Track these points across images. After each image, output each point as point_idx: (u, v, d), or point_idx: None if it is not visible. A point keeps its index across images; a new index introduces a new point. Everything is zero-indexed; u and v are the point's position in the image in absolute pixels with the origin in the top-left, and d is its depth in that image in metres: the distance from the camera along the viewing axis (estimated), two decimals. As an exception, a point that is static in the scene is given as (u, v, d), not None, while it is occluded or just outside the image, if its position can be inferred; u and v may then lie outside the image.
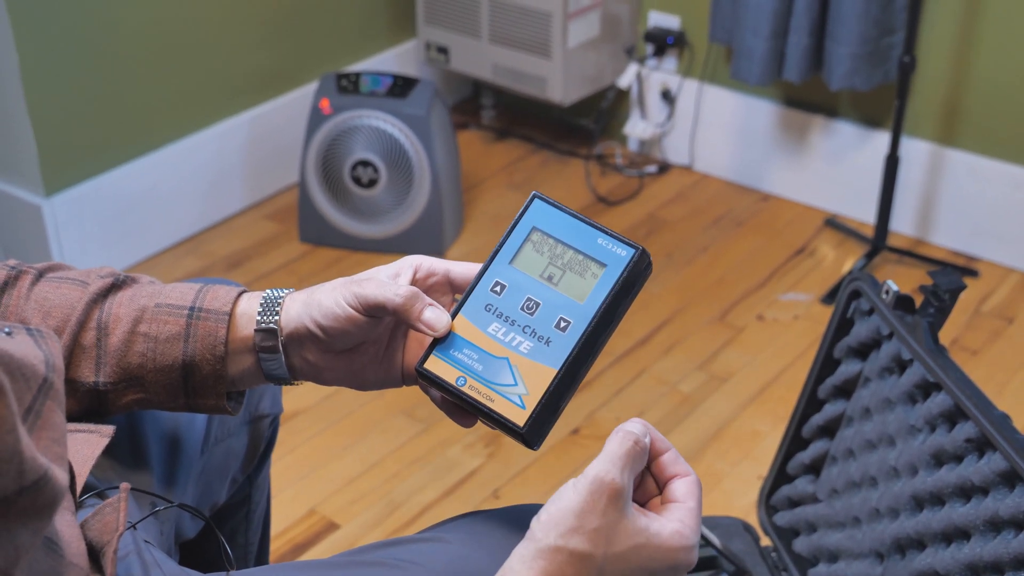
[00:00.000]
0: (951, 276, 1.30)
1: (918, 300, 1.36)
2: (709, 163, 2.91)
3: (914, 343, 1.32)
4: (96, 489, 0.96)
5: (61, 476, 0.67)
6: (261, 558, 1.37)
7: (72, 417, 0.94)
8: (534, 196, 0.92)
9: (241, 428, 1.17)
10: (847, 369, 1.49)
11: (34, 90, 2.27)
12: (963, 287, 1.30)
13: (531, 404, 0.86)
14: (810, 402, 1.56)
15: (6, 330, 0.71)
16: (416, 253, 0.96)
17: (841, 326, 1.50)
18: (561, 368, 0.86)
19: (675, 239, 2.67)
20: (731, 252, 2.63)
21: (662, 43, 2.83)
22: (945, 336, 1.50)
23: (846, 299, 1.48)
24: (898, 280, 1.43)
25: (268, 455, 1.27)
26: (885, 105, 2.59)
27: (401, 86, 2.54)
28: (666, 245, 2.64)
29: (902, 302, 1.37)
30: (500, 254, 0.91)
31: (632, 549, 0.79)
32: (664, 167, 2.93)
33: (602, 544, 0.78)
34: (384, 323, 0.94)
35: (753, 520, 1.78)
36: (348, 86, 2.54)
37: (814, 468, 1.58)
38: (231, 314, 0.94)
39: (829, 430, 1.54)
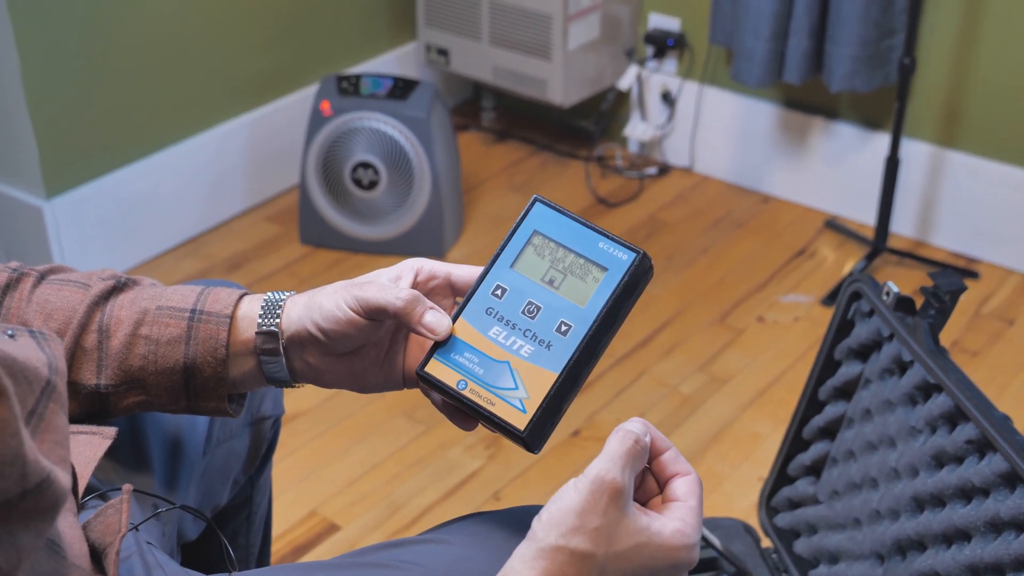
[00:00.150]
0: (951, 278, 1.30)
1: (918, 302, 1.36)
2: (709, 165, 2.91)
3: (915, 344, 1.32)
4: (98, 491, 0.96)
5: (64, 479, 0.67)
6: (262, 560, 1.37)
7: (74, 419, 0.94)
8: (535, 199, 0.92)
9: (242, 430, 1.18)
10: (848, 370, 1.49)
11: (35, 92, 2.27)
12: (963, 288, 1.31)
13: (532, 408, 0.86)
14: (811, 403, 1.57)
15: (9, 333, 0.71)
16: (416, 255, 0.96)
17: (842, 328, 1.50)
18: (562, 372, 0.86)
19: (675, 241, 2.67)
20: (731, 254, 2.63)
21: (662, 45, 2.83)
22: (945, 338, 1.50)
23: (846, 301, 1.48)
24: (898, 282, 1.43)
25: (269, 457, 1.27)
26: (885, 107, 2.60)
27: (401, 88, 2.54)
28: (666, 247, 2.64)
29: (903, 304, 1.37)
30: (501, 257, 0.91)
31: (633, 548, 0.79)
32: (664, 169, 2.93)
33: (603, 543, 0.78)
34: (385, 326, 0.94)
35: (754, 521, 1.78)
36: (348, 88, 2.54)
37: (815, 469, 1.58)
38: (232, 317, 0.94)
39: (830, 431, 1.54)
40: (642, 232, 2.70)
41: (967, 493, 1.23)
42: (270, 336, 0.93)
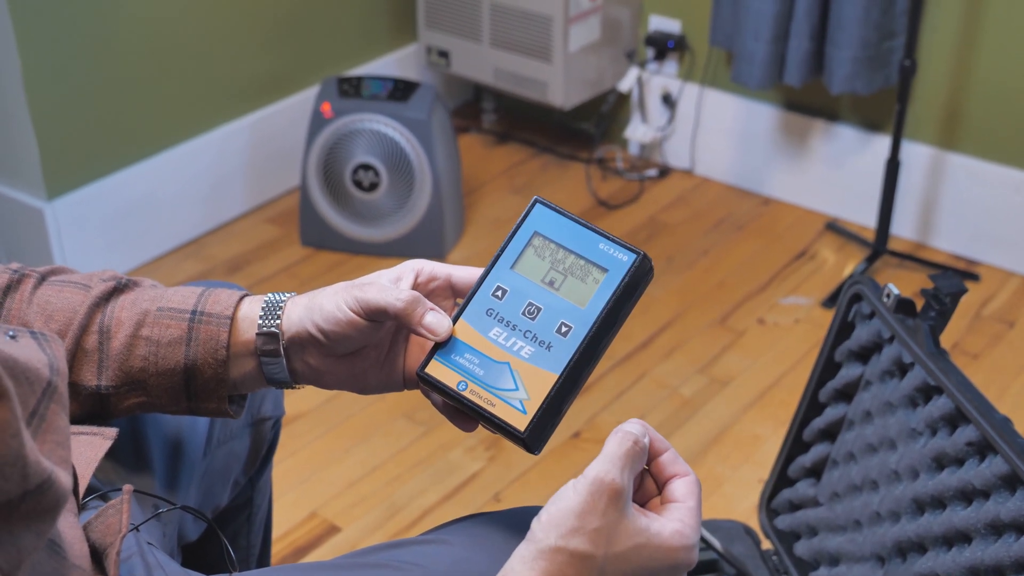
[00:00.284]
0: (952, 280, 1.30)
1: (919, 304, 1.36)
2: (710, 167, 2.91)
3: (915, 347, 1.32)
4: (99, 491, 0.96)
5: (65, 479, 0.67)
6: (263, 561, 1.37)
7: (74, 420, 0.94)
8: (536, 201, 0.92)
9: (243, 431, 1.18)
10: (848, 372, 1.49)
11: (36, 94, 2.27)
12: (964, 291, 1.31)
13: (532, 409, 0.86)
14: (811, 405, 1.57)
15: (10, 334, 0.72)
16: (417, 257, 0.96)
17: (842, 330, 1.50)
18: (562, 373, 0.86)
19: (676, 243, 2.67)
20: (732, 256, 2.63)
21: (663, 47, 2.83)
22: (946, 340, 1.50)
23: (847, 303, 1.48)
24: (899, 284, 1.43)
25: (270, 458, 1.27)
26: (886, 109, 2.60)
27: (402, 90, 2.54)
28: (667, 249, 2.64)
29: (903, 306, 1.37)
30: (502, 259, 0.91)
31: (633, 549, 0.79)
32: (665, 171, 2.94)
33: (603, 544, 0.78)
34: (385, 327, 0.94)
35: (754, 523, 1.78)
36: (349, 90, 2.54)
37: (815, 471, 1.58)
38: (233, 318, 0.94)
39: (830, 433, 1.54)
40: (642, 234, 2.70)
41: (967, 495, 1.23)
42: (271, 337, 0.93)
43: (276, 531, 1.85)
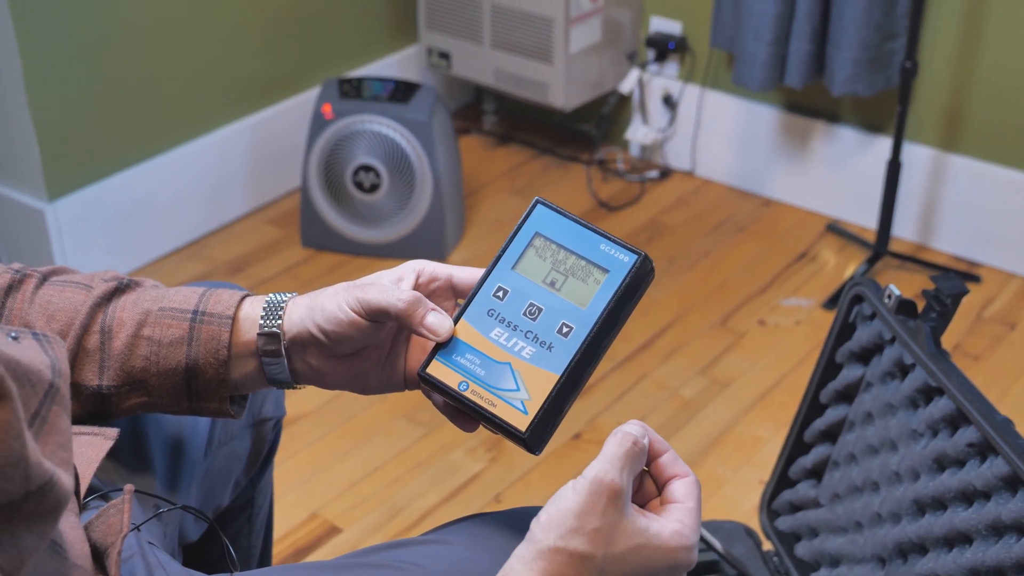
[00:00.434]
0: (953, 281, 1.30)
1: (920, 305, 1.36)
2: (711, 168, 2.91)
3: (916, 348, 1.32)
4: (100, 491, 0.96)
5: (66, 481, 0.67)
6: (264, 561, 1.37)
7: (76, 420, 0.94)
8: (537, 201, 0.93)
9: (244, 431, 1.18)
10: (849, 374, 1.49)
11: (37, 95, 2.27)
12: (965, 291, 1.31)
13: (533, 409, 0.86)
14: (812, 407, 1.57)
15: (12, 335, 0.72)
16: (418, 258, 0.96)
17: (843, 331, 1.50)
18: (563, 373, 0.86)
19: (676, 244, 2.67)
20: (732, 257, 2.63)
21: (664, 48, 2.83)
22: (947, 342, 1.51)
23: (848, 304, 1.48)
24: (900, 286, 1.43)
25: (271, 458, 1.27)
26: (887, 110, 2.60)
27: (403, 91, 2.54)
28: (667, 250, 2.64)
29: (904, 307, 1.37)
30: (503, 259, 0.91)
31: (632, 549, 0.79)
32: (665, 172, 2.94)
33: (602, 545, 0.78)
34: (387, 328, 0.94)
35: (755, 525, 1.78)
36: (350, 91, 2.54)
37: (816, 473, 1.58)
38: (234, 318, 0.94)
39: (831, 435, 1.54)
40: (643, 235, 2.70)
41: (968, 496, 1.23)
42: (272, 337, 0.93)
43: (277, 532, 1.85)
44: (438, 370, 0.89)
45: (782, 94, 2.75)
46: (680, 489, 0.83)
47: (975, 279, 2.52)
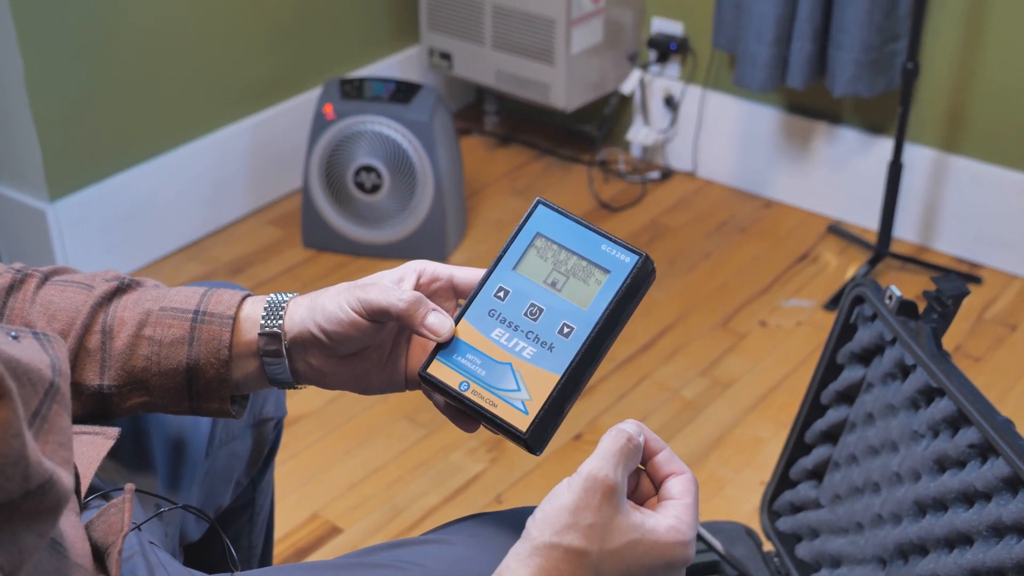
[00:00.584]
0: (954, 282, 1.30)
1: (921, 306, 1.36)
2: (712, 169, 2.91)
3: (917, 349, 1.32)
4: (101, 491, 0.96)
5: (66, 480, 0.67)
6: (264, 562, 1.37)
7: (77, 419, 0.94)
8: (538, 202, 0.93)
9: (245, 431, 1.18)
10: (850, 375, 1.49)
11: (38, 95, 2.28)
12: (966, 292, 1.31)
13: (534, 409, 0.86)
14: (813, 408, 1.57)
15: (13, 334, 0.72)
16: (419, 259, 0.96)
17: (844, 332, 1.50)
18: (564, 374, 0.86)
19: (678, 245, 2.67)
20: (734, 258, 2.63)
21: (665, 49, 2.83)
22: (948, 343, 1.50)
23: (849, 305, 1.48)
24: (901, 287, 1.43)
25: (272, 458, 1.27)
26: (888, 112, 2.60)
27: (404, 92, 2.54)
28: (669, 251, 2.64)
29: (905, 308, 1.37)
30: (504, 259, 0.91)
31: (627, 545, 0.79)
32: (667, 173, 2.94)
33: (597, 540, 0.78)
34: (388, 328, 0.94)
35: (756, 526, 1.78)
36: (351, 92, 2.54)
37: (817, 474, 1.58)
38: (235, 318, 0.94)
39: (832, 436, 1.54)
40: (645, 236, 2.70)
41: (969, 497, 1.23)
42: (273, 337, 0.93)
43: (278, 532, 1.85)
44: (439, 370, 0.89)
45: (783, 95, 2.75)
46: (677, 486, 0.83)
47: (976, 280, 2.52)
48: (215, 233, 2.68)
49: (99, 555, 0.83)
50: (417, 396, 0.98)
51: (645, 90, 2.92)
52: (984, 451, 1.22)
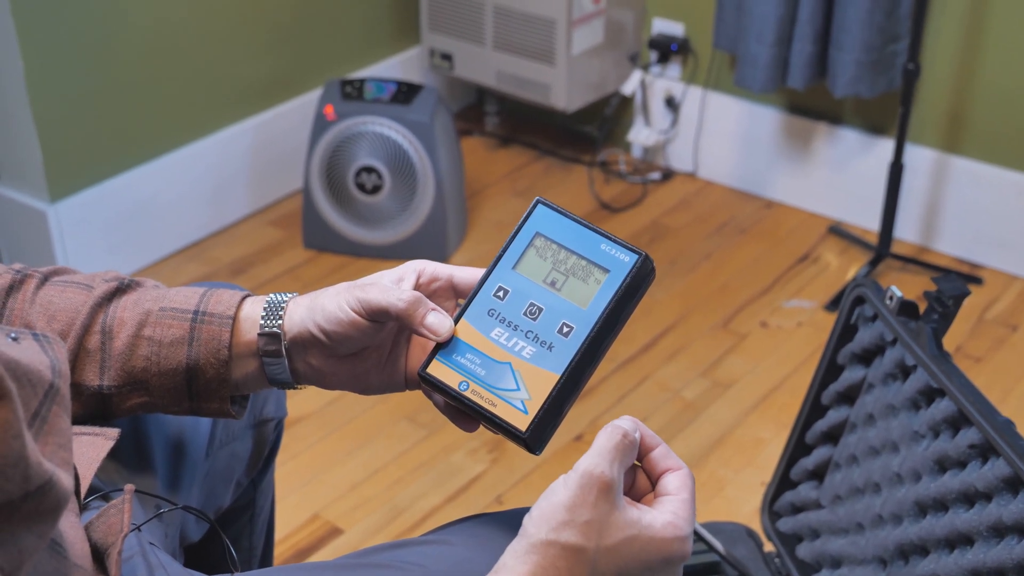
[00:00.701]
0: (955, 282, 1.30)
1: (922, 306, 1.36)
2: (713, 170, 2.91)
3: (918, 349, 1.32)
4: (100, 491, 0.96)
5: (66, 481, 0.67)
6: (265, 562, 1.37)
7: (76, 420, 0.94)
8: (538, 201, 0.93)
9: (245, 432, 1.18)
10: (851, 375, 1.49)
11: (39, 96, 2.28)
12: (967, 293, 1.30)
13: (533, 409, 0.86)
14: (814, 408, 1.56)
15: (12, 336, 0.72)
16: (420, 259, 0.96)
17: (845, 332, 1.50)
18: (564, 373, 0.86)
19: (678, 246, 2.67)
20: (734, 259, 2.63)
21: (666, 50, 2.83)
22: (949, 344, 1.50)
23: (850, 305, 1.48)
24: (902, 287, 1.43)
25: (272, 459, 1.27)
26: (889, 112, 2.60)
27: (405, 93, 2.54)
28: (669, 252, 2.64)
29: (906, 308, 1.37)
30: (503, 259, 0.91)
31: (624, 541, 0.79)
32: (668, 174, 2.94)
33: (594, 537, 0.78)
34: (387, 328, 0.94)
35: (756, 526, 1.78)
36: (352, 92, 2.54)
37: (817, 474, 1.57)
38: (235, 318, 0.94)
39: (833, 436, 1.54)
40: (645, 237, 2.70)
41: (970, 498, 1.23)
42: (272, 338, 0.93)
43: (278, 533, 1.85)
44: (438, 370, 0.89)
45: (784, 96, 2.75)
46: (673, 482, 0.83)
47: (977, 281, 2.52)
48: (216, 234, 2.68)
49: (99, 556, 0.83)
50: (417, 397, 0.98)
51: (646, 91, 2.92)
52: (985, 451, 1.22)
